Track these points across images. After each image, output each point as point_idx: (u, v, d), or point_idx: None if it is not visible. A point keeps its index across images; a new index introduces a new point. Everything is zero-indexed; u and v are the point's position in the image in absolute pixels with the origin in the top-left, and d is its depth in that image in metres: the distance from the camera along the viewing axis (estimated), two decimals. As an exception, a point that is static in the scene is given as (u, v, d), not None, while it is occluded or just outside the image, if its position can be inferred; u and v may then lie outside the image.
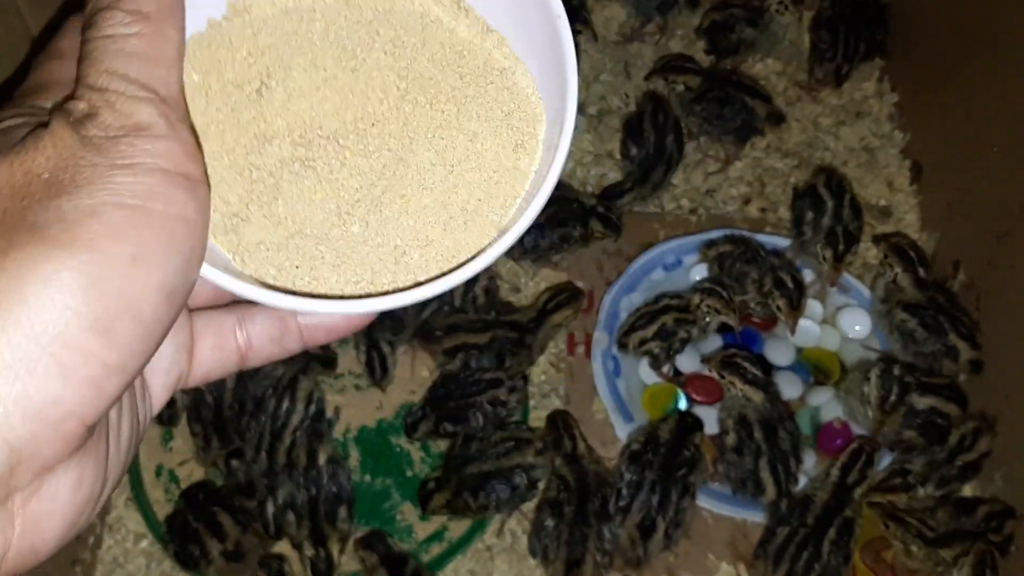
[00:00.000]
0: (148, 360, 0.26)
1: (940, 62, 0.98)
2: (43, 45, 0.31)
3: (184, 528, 0.76)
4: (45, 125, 0.26)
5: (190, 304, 0.32)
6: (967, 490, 0.84)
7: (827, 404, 0.86)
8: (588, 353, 0.88)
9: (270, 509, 0.77)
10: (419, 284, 0.32)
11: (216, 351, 0.32)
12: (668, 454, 0.76)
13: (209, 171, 0.30)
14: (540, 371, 0.90)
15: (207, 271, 0.29)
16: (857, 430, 0.84)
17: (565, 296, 0.88)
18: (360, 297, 0.32)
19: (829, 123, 1.05)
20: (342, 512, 0.78)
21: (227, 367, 0.33)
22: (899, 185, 1.01)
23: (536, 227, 0.89)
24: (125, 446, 0.28)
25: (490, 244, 0.33)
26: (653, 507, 0.75)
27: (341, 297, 0.32)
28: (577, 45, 0.37)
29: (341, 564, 0.78)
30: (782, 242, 0.93)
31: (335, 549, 0.76)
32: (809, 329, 0.90)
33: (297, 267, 0.32)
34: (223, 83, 0.33)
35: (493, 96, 0.35)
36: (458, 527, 0.82)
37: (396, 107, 0.34)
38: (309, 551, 0.76)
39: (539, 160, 0.35)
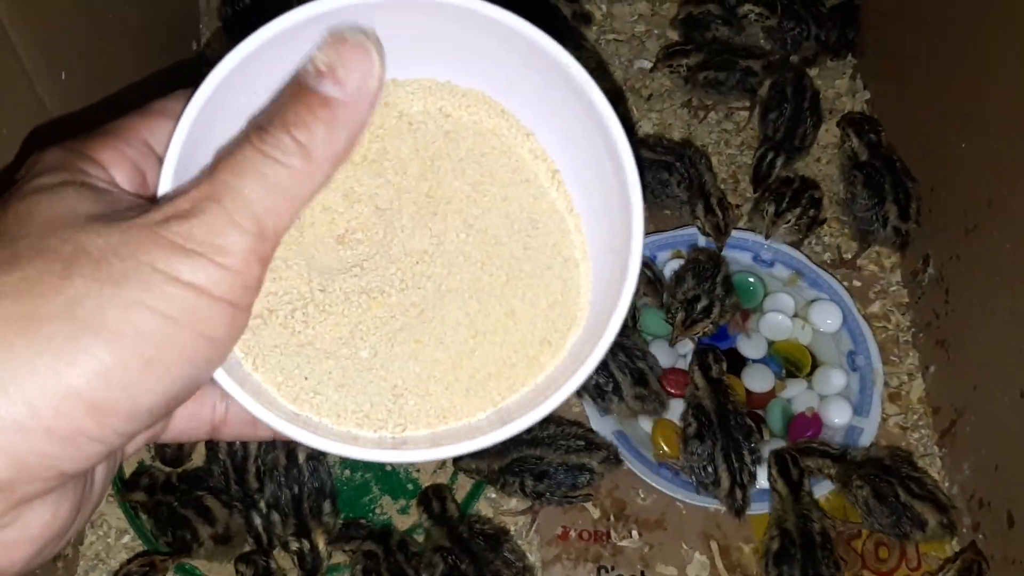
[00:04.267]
0: (134, 436, 0.27)
1: (911, 59, 1.00)
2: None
3: (171, 516, 0.77)
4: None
5: None
6: (936, 476, 0.86)
7: (799, 396, 0.88)
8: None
9: (257, 520, 0.78)
10: (404, 437, 0.32)
11: (191, 419, 0.33)
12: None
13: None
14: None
15: (219, 376, 0.29)
16: (828, 421, 0.85)
17: None
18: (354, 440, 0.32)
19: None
20: (327, 506, 0.79)
21: (197, 435, 0.34)
22: (871, 181, 1.03)
23: None
24: (99, 487, 0.29)
25: (477, 435, 0.32)
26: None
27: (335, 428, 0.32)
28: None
29: (330, 557, 0.78)
30: (754, 238, 0.94)
31: (321, 542, 0.77)
32: (780, 323, 0.91)
33: (306, 378, 0.32)
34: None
35: (546, 282, 0.34)
36: (436, 520, 0.83)
37: (449, 254, 0.33)
38: (295, 544, 0.77)
39: (559, 361, 0.34)
